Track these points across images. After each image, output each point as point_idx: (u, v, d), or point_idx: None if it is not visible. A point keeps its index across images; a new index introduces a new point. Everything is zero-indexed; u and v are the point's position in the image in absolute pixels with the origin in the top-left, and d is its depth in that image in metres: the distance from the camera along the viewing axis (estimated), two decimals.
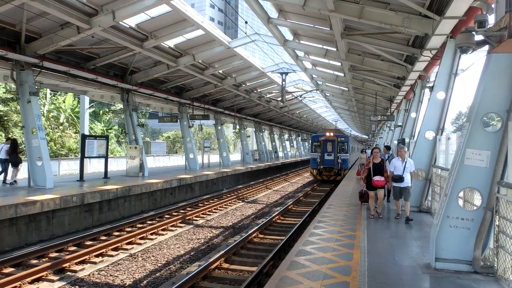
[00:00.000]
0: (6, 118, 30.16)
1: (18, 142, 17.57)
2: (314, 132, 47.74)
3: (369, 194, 10.76)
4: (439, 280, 5.62)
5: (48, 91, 33.52)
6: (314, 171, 28.95)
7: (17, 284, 7.62)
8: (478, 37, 6.16)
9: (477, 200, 6.20)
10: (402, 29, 10.93)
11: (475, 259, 5.85)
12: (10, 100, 29.87)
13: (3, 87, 29.33)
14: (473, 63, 14.48)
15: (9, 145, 15.34)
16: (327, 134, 28.44)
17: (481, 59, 11.69)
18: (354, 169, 29.32)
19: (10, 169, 15.62)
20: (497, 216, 5.61)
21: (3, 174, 15.47)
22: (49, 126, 33.44)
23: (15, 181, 15.38)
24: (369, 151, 19.65)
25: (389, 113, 24.53)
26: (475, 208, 6.17)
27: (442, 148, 11.03)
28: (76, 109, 34.86)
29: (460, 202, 6.39)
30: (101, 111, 42.81)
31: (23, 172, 17.52)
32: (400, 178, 9.76)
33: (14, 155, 15.34)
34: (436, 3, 9.72)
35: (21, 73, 14.26)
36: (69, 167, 24.66)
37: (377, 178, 10.20)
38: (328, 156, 27.84)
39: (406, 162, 9.85)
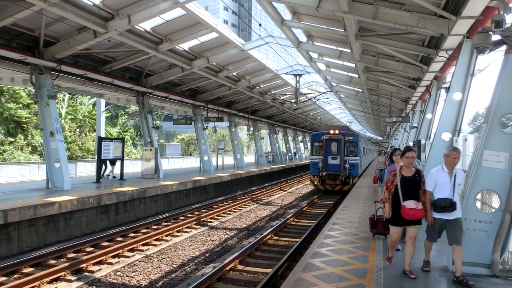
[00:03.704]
0: (26, 120, 30.95)
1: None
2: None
3: (390, 232, 6.10)
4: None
5: (67, 95, 34.22)
6: (315, 178, 22.70)
7: (36, 283, 7.79)
8: (495, 37, 6.09)
9: (496, 202, 6.09)
10: (417, 29, 10.79)
11: (493, 262, 5.75)
12: (30, 103, 30.64)
13: (22, 91, 30.03)
14: (491, 63, 14.21)
15: None
16: (331, 131, 22.44)
17: (499, 59, 11.47)
18: (366, 176, 27.09)
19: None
20: None
21: (107, 170, 19.50)
22: (69, 129, 34.13)
23: (114, 176, 19.51)
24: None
25: (404, 114, 24.23)
26: (493, 210, 6.06)
27: None
28: (93, 112, 35.47)
29: (478, 204, 6.29)
30: (119, 114, 43.42)
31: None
32: (451, 205, 5.41)
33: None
34: (452, 3, 9.58)
35: (40, 77, 14.59)
36: (85, 169, 25.10)
37: (411, 204, 5.51)
38: (332, 160, 21.97)
39: (455, 175, 5.54)
